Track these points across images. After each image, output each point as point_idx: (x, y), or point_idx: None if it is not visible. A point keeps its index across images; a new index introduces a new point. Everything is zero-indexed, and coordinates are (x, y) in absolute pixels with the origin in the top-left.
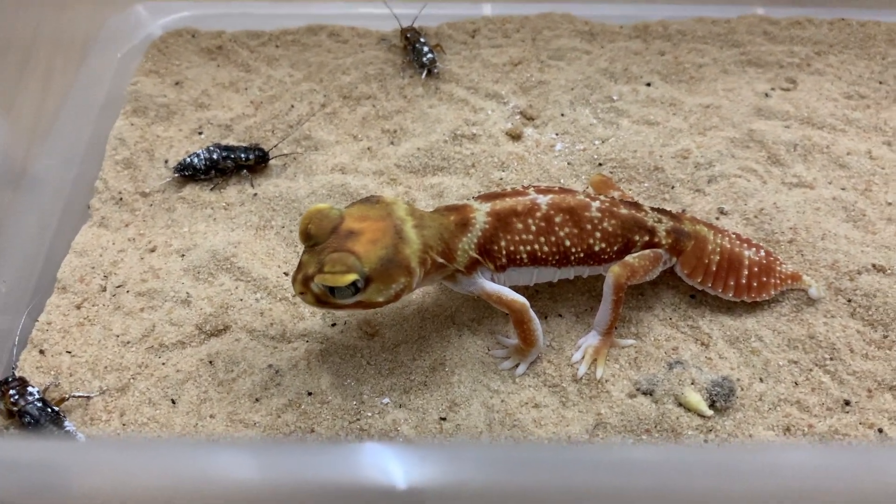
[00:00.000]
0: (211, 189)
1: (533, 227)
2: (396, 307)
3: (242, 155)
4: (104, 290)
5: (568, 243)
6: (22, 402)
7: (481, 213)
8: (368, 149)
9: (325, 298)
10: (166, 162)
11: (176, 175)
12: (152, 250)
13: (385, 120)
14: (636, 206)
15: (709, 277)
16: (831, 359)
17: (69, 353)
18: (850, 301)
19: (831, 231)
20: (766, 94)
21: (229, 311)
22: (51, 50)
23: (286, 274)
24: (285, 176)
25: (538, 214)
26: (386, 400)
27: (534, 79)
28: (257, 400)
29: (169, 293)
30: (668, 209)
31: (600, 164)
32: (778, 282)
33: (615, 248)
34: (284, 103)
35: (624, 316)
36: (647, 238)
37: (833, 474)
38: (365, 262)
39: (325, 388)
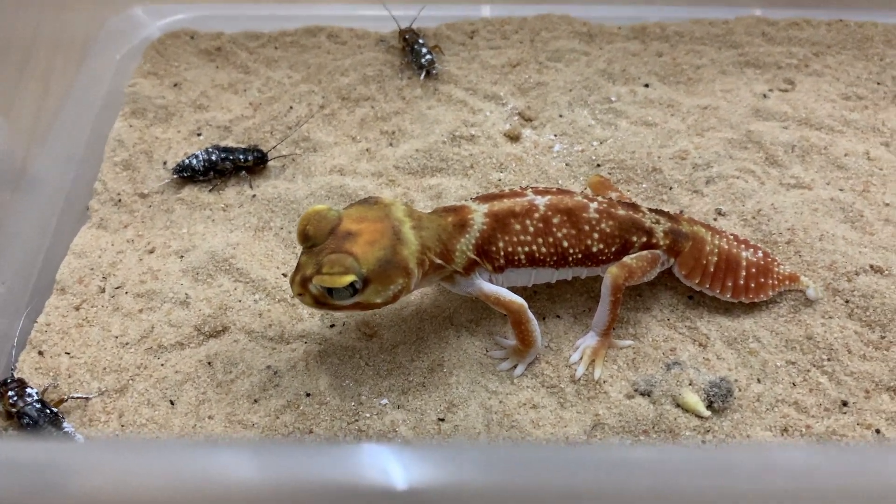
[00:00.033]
0: (210, 190)
1: (531, 228)
2: (395, 308)
3: (241, 156)
4: (103, 291)
5: (566, 244)
6: (21, 404)
7: (479, 215)
8: (367, 150)
9: (324, 299)
10: (165, 163)
11: (175, 176)
12: (151, 251)
13: (384, 121)
14: (634, 207)
15: (707, 278)
16: (829, 359)
17: (68, 354)
18: (847, 302)
19: (829, 232)
20: (764, 95)
21: (228, 313)
22: (50, 51)
23: (285, 275)
24: (284, 177)
25: (536, 215)
26: (384, 401)
27: (532, 80)
28: (256, 401)
29: (168, 294)
30: (666, 210)
31: (598, 165)
32: (776, 283)
33: (613, 249)
34: (283, 105)
35: (622, 317)
36: (644, 239)
37: (831, 475)
38: (363, 263)
39: (324, 388)
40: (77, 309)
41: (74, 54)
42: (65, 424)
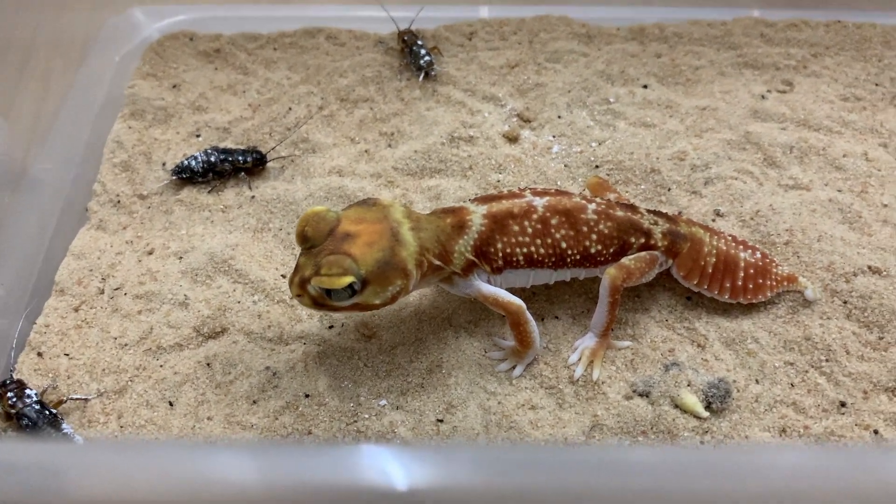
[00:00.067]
0: (208, 192)
1: (529, 230)
2: (393, 309)
3: (240, 157)
4: (102, 292)
5: (564, 245)
6: (20, 405)
7: (478, 216)
8: (366, 151)
9: (322, 301)
10: (164, 165)
11: (173, 178)
12: (150, 253)
13: (382, 122)
14: (632, 208)
15: (705, 279)
16: (827, 360)
17: (67, 355)
18: (846, 303)
19: (827, 233)
20: (763, 97)
21: (227, 314)
22: (49, 52)
23: (283, 276)
24: (283, 178)
25: (534, 216)
26: (383, 402)
27: (531, 81)
28: (255, 402)
29: (166, 295)
30: (665, 211)
31: (597, 167)
32: (774, 284)
33: (611, 251)
34: (282, 106)
35: (620, 318)
36: (643, 240)
37: (829, 476)
38: (361, 264)
39: (323, 390)
40: (76, 310)
41: (74, 55)
42: (64, 426)
